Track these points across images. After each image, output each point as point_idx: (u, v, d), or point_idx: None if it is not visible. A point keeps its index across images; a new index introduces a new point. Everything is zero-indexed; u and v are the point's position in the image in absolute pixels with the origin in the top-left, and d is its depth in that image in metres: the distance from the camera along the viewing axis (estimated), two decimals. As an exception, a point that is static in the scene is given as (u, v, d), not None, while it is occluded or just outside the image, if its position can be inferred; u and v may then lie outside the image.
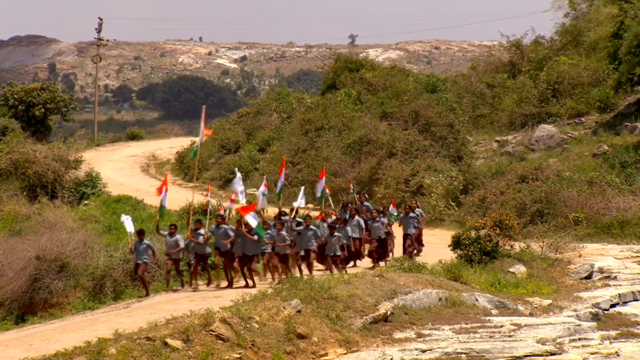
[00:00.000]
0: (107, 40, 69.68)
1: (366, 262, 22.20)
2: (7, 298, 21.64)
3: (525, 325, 15.50)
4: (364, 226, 22.01)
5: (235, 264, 19.28)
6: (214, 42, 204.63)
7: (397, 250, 23.01)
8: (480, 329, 15.14)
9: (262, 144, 45.80)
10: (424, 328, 15.11)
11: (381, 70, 50.44)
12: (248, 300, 14.79)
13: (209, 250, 19.67)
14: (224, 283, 19.67)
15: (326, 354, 13.47)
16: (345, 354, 13.60)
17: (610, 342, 15.20)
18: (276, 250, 19.30)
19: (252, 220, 18.53)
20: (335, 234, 20.13)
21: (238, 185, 21.44)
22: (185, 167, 47.69)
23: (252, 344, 12.91)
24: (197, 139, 22.35)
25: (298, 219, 21.03)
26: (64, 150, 36.97)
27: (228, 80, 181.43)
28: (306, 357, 13.27)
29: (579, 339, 15.10)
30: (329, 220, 21.63)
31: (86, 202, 34.36)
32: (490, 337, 14.66)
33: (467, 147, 36.92)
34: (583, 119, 37.28)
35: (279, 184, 23.20)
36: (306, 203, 26.10)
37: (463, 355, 13.71)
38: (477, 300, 17.15)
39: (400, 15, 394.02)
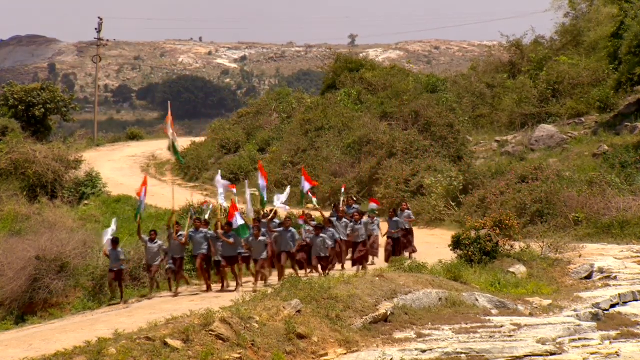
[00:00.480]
0: (107, 40, 69.69)
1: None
2: (7, 298, 21.63)
3: (525, 325, 15.50)
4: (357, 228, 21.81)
5: (224, 266, 19.13)
6: (214, 42, 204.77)
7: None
8: (480, 329, 15.14)
9: (262, 144, 45.79)
10: (424, 328, 15.11)
11: (381, 70, 50.42)
12: (248, 300, 14.80)
13: (184, 254, 19.43)
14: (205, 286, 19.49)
15: (326, 354, 13.47)
16: (345, 354, 13.60)
17: (610, 342, 15.20)
18: (253, 256, 19.05)
19: (238, 220, 18.40)
20: (321, 235, 19.94)
21: (219, 185, 21.30)
22: (185, 167, 47.69)
23: (252, 344, 12.91)
24: (170, 141, 21.69)
25: (277, 220, 20.84)
26: (64, 150, 36.97)
27: (228, 80, 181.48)
28: (306, 357, 13.27)
29: (579, 339, 15.10)
30: (313, 222, 21.47)
31: (86, 202, 34.37)
32: (490, 337, 14.66)
33: (467, 147, 36.92)
34: (583, 119, 37.28)
35: (261, 188, 22.28)
36: (306, 203, 26.11)
37: (463, 355, 13.71)
38: (477, 300, 17.15)
39: (400, 15, 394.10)
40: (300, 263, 20.26)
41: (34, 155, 34.44)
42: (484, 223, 21.53)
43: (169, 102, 22.17)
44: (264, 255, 18.94)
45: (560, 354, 14.09)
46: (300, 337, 13.54)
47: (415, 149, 35.62)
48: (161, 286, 20.02)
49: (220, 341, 12.75)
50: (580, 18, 46.89)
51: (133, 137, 62.10)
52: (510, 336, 14.74)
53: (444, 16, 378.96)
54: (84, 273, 22.22)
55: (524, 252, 21.44)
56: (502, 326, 15.37)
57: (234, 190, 22.70)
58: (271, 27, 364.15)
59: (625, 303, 18.47)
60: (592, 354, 14.35)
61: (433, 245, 25.83)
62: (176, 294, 19.07)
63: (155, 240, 19.30)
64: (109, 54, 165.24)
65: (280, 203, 21.58)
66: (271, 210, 21.50)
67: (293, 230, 19.84)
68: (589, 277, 20.88)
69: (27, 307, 21.69)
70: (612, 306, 18.10)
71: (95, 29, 66.04)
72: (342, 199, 25.47)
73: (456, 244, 20.67)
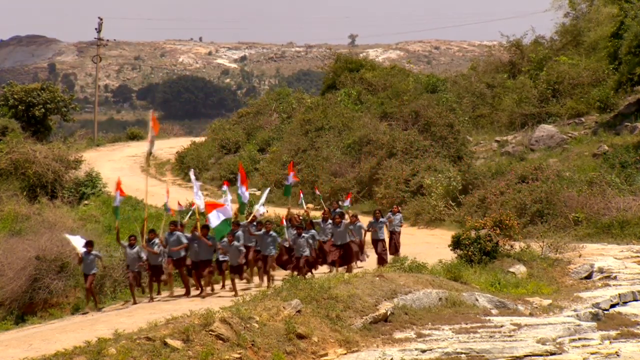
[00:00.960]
0: (107, 40, 69.69)
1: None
2: (7, 298, 21.64)
3: (525, 325, 15.50)
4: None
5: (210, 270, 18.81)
6: (214, 42, 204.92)
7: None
8: (480, 329, 15.14)
9: (262, 144, 45.81)
10: (424, 328, 15.11)
11: (381, 70, 50.45)
12: (248, 300, 14.81)
13: (161, 260, 18.92)
14: (179, 291, 19.25)
15: (326, 354, 13.47)
16: (345, 354, 13.60)
17: (610, 342, 15.19)
18: (230, 262, 18.66)
19: (214, 219, 17.85)
20: (303, 235, 19.66)
21: (195, 185, 21.06)
22: (185, 167, 47.69)
23: (252, 344, 12.91)
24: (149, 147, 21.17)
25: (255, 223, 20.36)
26: (64, 150, 36.95)
27: (228, 80, 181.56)
28: (306, 357, 13.27)
29: (579, 339, 15.10)
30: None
31: (86, 202, 34.35)
32: (490, 337, 14.66)
33: (467, 147, 36.92)
34: (583, 119, 37.27)
35: (243, 193, 21.51)
36: (306, 203, 26.05)
37: (463, 355, 13.71)
38: (477, 300, 17.15)
39: (400, 15, 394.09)
40: (286, 263, 20.17)
41: (34, 155, 34.43)
42: (484, 223, 21.52)
43: (151, 111, 21.60)
44: (240, 261, 18.49)
45: (560, 354, 14.09)
46: (300, 337, 13.54)
47: (415, 149, 35.63)
48: (138, 291, 19.53)
49: (220, 341, 12.75)
50: (580, 18, 46.88)
51: (133, 137, 62.14)
52: (510, 336, 14.74)
53: (444, 16, 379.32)
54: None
55: (524, 252, 21.44)
56: (502, 326, 15.37)
57: (225, 188, 22.48)
58: (271, 27, 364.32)
59: (625, 303, 18.46)
60: (592, 354, 14.35)
61: (433, 245, 25.83)
62: (151, 299, 18.76)
63: (135, 246, 18.81)
64: (109, 54, 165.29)
65: (257, 206, 21.14)
66: (249, 214, 21.11)
67: (274, 234, 19.50)
68: (589, 277, 20.87)
69: (27, 307, 21.70)
70: (612, 306, 18.09)
71: (95, 29, 66.16)
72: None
73: (456, 244, 20.67)
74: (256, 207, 21.17)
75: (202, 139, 53.77)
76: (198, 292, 19.01)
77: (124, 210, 31.03)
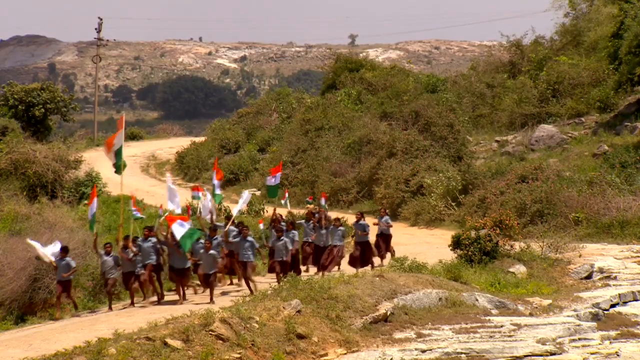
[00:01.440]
0: (107, 40, 69.70)
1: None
2: (7, 298, 21.60)
3: (525, 325, 15.50)
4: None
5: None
6: (214, 42, 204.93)
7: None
8: (480, 329, 15.14)
9: (262, 144, 45.84)
10: (424, 328, 15.11)
11: (381, 70, 50.51)
12: (248, 300, 14.81)
13: (137, 268, 18.54)
14: (153, 298, 18.95)
15: (326, 354, 13.47)
16: (345, 354, 13.60)
17: (610, 342, 15.19)
18: (204, 270, 18.11)
19: (178, 230, 17.49)
20: (283, 238, 19.33)
21: (172, 194, 20.80)
22: (185, 167, 47.73)
23: (252, 344, 12.90)
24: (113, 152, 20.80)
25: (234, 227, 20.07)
26: (64, 150, 36.93)
27: (228, 80, 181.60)
28: (306, 357, 13.27)
29: (579, 339, 15.10)
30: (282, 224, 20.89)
31: (86, 202, 34.31)
32: (490, 337, 14.66)
33: (467, 147, 36.92)
34: (583, 119, 37.27)
35: (216, 190, 21.24)
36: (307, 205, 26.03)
37: (463, 355, 13.71)
38: (477, 300, 17.15)
39: (400, 15, 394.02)
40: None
41: (34, 155, 34.41)
42: (484, 223, 21.52)
43: (122, 114, 21.34)
44: (215, 269, 18.01)
45: (560, 354, 14.09)
46: (300, 337, 13.54)
47: (415, 149, 35.63)
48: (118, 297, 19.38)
49: (220, 341, 12.75)
50: (580, 18, 46.90)
51: (133, 137, 62.16)
52: (510, 336, 14.74)
53: (444, 16, 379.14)
54: (84, 273, 22.18)
55: (524, 252, 21.43)
56: (502, 326, 15.37)
57: (200, 194, 22.23)
58: (271, 27, 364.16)
59: (625, 303, 18.45)
60: (592, 354, 14.35)
61: (433, 245, 25.83)
62: (132, 304, 18.46)
63: (111, 253, 18.57)
64: (109, 54, 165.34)
65: (236, 210, 20.72)
66: (227, 218, 20.76)
67: (251, 239, 19.04)
68: (589, 277, 20.87)
69: (27, 307, 21.66)
70: (612, 306, 18.08)
71: (95, 29, 66.17)
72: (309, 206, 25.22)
73: (456, 244, 20.66)
74: (234, 210, 20.60)
75: (202, 139, 53.81)
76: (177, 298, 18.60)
77: (124, 210, 31.06)
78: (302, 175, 39.12)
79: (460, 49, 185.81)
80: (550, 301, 17.69)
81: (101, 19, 66.61)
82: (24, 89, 45.37)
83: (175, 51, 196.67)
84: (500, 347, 13.95)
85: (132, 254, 18.38)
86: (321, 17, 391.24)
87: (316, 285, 15.33)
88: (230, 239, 19.51)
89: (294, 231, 20.53)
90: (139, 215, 21.38)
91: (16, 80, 55.17)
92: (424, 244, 26.69)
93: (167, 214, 19.40)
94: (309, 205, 28.04)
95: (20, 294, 21.45)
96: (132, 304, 18.51)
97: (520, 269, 20.46)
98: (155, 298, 19.02)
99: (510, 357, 13.74)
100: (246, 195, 21.46)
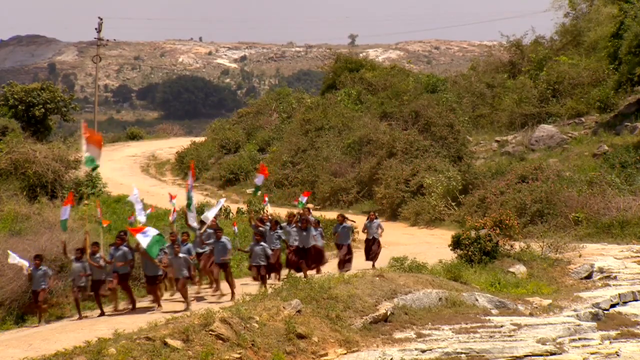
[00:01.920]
0: (107, 40, 69.71)
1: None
2: (7, 298, 21.56)
3: (525, 325, 15.50)
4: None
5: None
6: (214, 42, 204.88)
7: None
8: (480, 329, 15.14)
9: (262, 144, 45.84)
10: (424, 328, 15.11)
11: (381, 70, 50.51)
12: (248, 300, 14.81)
13: (104, 276, 18.02)
14: (123, 306, 18.55)
15: (326, 354, 13.47)
16: (345, 354, 13.60)
17: (610, 342, 15.20)
18: (175, 274, 17.65)
19: (143, 240, 17.19)
20: (261, 243, 19.10)
21: (136, 203, 20.68)
22: (185, 167, 47.72)
23: (252, 344, 12.90)
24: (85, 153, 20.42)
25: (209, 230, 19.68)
26: (64, 150, 36.89)
27: (228, 80, 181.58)
28: (306, 357, 13.27)
29: (579, 339, 15.11)
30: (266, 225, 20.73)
31: (86, 202, 34.31)
32: (490, 337, 14.66)
33: (467, 147, 36.93)
34: (583, 119, 37.27)
35: (191, 189, 20.78)
36: (306, 204, 25.92)
37: (463, 355, 13.71)
38: (477, 300, 17.15)
39: (400, 15, 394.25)
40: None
41: (34, 155, 34.39)
42: (484, 223, 21.53)
43: (82, 121, 21.06)
44: (185, 273, 17.50)
45: (560, 353, 14.10)
46: (300, 337, 13.54)
47: (415, 149, 35.63)
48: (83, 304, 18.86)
49: (220, 341, 12.75)
50: (580, 18, 46.90)
51: (133, 137, 62.18)
52: (510, 336, 14.74)
53: (444, 16, 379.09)
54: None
55: (524, 252, 21.44)
56: (502, 326, 15.37)
57: (174, 202, 22.12)
58: (271, 27, 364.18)
59: (625, 303, 18.46)
60: (592, 353, 14.35)
61: (433, 245, 25.83)
62: (102, 313, 17.93)
63: (81, 260, 18.08)
64: (109, 54, 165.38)
65: (211, 215, 20.09)
66: (201, 222, 20.30)
67: (224, 241, 18.70)
68: (589, 277, 20.87)
69: (27, 307, 21.65)
70: (612, 306, 18.09)
71: (95, 29, 66.19)
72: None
73: (456, 244, 20.67)
74: (208, 215, 19.99)
75: (202, 139, 53.82)
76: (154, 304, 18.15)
77: (124, 210, 31.07)
78: (302, 175, 39.12)
79: (460, 49, 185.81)
80: (550, 301, 17.69)
81: (101, 19, 66.70)
82: (24, 89, 45.34)
83: (175, 51, 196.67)
84: (500, 347, 13.95)
85: (101, 261, 17.92)
86: (321, 17, 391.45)
87: (316, 285, 15.33)
88: (204, 240, 19.22)
89: (278, 230, 20.52)
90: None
91: (16, 80, 55.14)
92: (424, 244, 26.70)
93: (138, 224, 19.14)
94: (309, 205, 27.93)
95: (20, 294, 21.43)
96: (102, 313, 17.92)
97: (520, 269, 20.46)
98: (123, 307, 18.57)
99: (510, 357, 13.74)
100: (222, 201, 21.27)
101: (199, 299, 18.76)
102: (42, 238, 23.18)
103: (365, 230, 22.16)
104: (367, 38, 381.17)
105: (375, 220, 22.26)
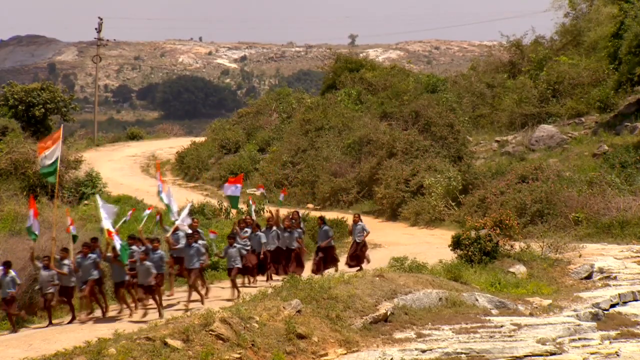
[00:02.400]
0: (107, 40, 69.73)
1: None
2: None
3: (525, 325, 15.51)
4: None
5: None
6: (214, 42, 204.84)
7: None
8: (480, 329, 15.15)
9: (262, 144, 45.82)
10: (424, 328, 15.12)
11: (381, 70, 50.47)
12: (248, 300, 14.81)
13: (73, 282, 17.85)
14: (94, 313, 18.26)
15: (326, 354, 13.48)
16: (345, 354, 13.61)
17: (610, 342, 15.21)
18: (139, 281, 17.23)
19: (117, 244, 17.18)
20: (235, 245, 19.07)
21: (104, 209, 20.55)
22: (186, 167, 47.74)
23: (252, 344, 12.91)
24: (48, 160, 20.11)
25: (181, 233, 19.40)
26: (64, 150, 36.84)
27: (228, 80, 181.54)
28: (306, 357, 13.28)
29: (579, 339, 15.11)
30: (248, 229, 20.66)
31: (86, 202, 34.32)
32: (491, 337, 14.67)
33: (467, 147, 36.91)
34: (583, 119, 37.26)
35: (164, 197, 20.36)
36: (306, 203, 25.96)
37: (463, 355, 13.72)
38: (477, 300, 17.16)
39: (400, 15, 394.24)
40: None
41: (34, 155, 34.39)
42: (484, 223, 21.53)
43: (61, 126, 20.79)
44: (149, 280, 17.11)
45: (560, 354, 14.10)
46: (300, 337, 13.54)
47: (415, 149, 35.61)
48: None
49: (220, 341, 12.75)
50: (580, 18, 46.88)
51: (133, 137, 62.15)
52: (510, 336, 14.75)
53: (444, 16, 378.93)
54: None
55: (524, 252, 21.44)
56: (502, 326, 15.38)
57: (148, 212, 21.75)
58: (271, 27, 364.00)
59: (625, 303, 18.47)
60: (592, 353, 14.36)
61: (433, 245, 25.83)
62: (72, 320, 17.76)
63: (49, 268, 17.78)
64: (109, 54, 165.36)
65: (180, 220, 19.85)
66: (173, 225, 20.03)
67: (196, 245, 18.37)
68: (589, 277, 20.88)
69: (27, 307, 21.65)
70: (612, 306, 18.11)
71: (95, 29, 66.21)
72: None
73: (456, 244, 20.67)
74: (178, 220, 19.71)
75: (202, 139, 53.80)
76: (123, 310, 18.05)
77: (124, 210, 31.04)
78: (302, 175, 39.12)
79: (460, 49, 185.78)
80: (550, 301, 17.70)
81: (101, 19, 66.72)
82: (24, 89, 45.31)
83: (175, 51, 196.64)
84: (500, 347, 13.96)
85: (67, 269, 17.71)
86: (321, 17, 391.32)
87: (316, 285, 15.34)
88: (178, 246, 18.97)
89: (259, 233, 20.53)
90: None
91: (16, 80, 55.09)
92: (424, 244, 26.70)
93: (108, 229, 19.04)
94: (309, 205, 27.94)
95: (20, 294, 21.43)
96: (50, 322, 17.65)
97: (520, 269, 20.47)
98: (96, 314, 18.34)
99: (510, 357, 13.75)
100: (188, 207, 20.91)
101: (169, 305, 18.44)
102: (42, 238, 23.17)
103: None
104: (367, 38, 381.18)
105: (359, 223, 22.14)
